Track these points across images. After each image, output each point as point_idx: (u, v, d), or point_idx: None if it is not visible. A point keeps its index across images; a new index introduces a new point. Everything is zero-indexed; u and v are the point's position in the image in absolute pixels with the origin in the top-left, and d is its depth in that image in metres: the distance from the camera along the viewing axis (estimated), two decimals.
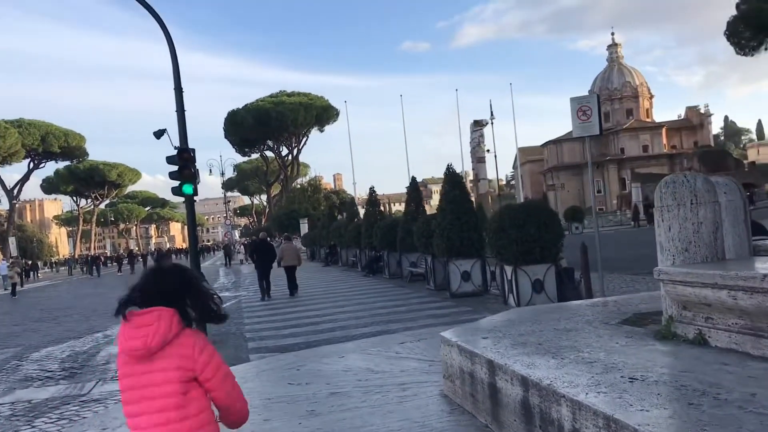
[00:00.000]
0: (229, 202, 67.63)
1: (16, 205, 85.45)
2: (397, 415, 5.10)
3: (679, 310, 4.32)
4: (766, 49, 52.51)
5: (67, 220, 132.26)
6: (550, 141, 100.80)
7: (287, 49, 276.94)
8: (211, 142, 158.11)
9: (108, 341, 12.42)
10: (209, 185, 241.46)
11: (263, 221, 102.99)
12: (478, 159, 64.67)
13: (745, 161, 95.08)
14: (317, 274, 26.82)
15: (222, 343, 10.68)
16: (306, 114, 71.56)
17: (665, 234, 4.44)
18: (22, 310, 22.71)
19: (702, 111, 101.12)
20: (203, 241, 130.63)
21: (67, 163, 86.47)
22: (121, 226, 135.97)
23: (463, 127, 61.77)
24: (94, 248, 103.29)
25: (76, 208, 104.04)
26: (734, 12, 51.09)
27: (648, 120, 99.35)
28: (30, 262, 63.73)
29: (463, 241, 13.69)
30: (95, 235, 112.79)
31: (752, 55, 53.75)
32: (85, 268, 57.47)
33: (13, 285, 31.20)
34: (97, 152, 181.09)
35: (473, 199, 20.15)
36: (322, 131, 76.64)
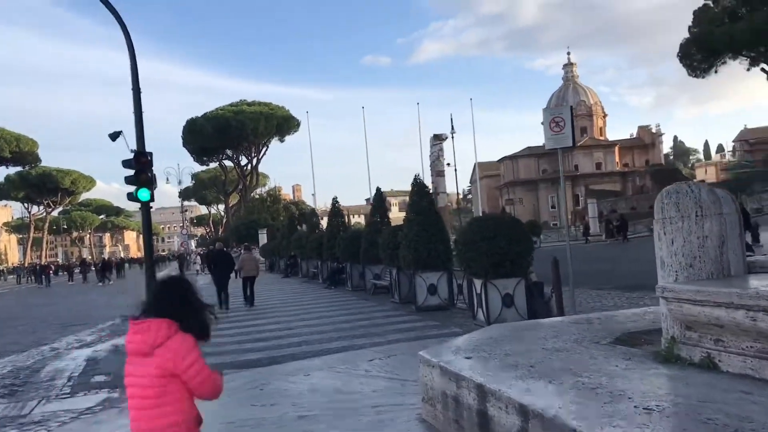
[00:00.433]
0: (185, 211, 66.20)
1: None
2: None
3: (683, 331, 4.03)
4: (716, 71, 54.17)
5: (17, 227, 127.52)
6: (506, 156, 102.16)
7: (248, 59, 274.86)
8: (169, 151, 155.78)
9: (56, 355, 11.65)
10: (166, 194, 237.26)
11: (220, 231, 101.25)
12: (438, 173, 64.79)
13: (693, 180, 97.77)
14: (277, 286, 26.16)
15: None
16: (266, 124, 70.74)
17: (667, 248, 4.14)
18: None
19: (653, 130, 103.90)
20: (159, 250, 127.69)
21: (19, 168, 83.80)
22: (74, 234, 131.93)
23: (424, 141, 61.78)
24: (46, 257, 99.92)
25: (27, 214, 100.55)
26: (686, 35, 52.59)
27: (601, 138, 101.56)
28: None
29: (431, 253, 13.36)
30: (47, 243, 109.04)
31: (703, 77, 55.36)
32: (33, 277, 55.32)
33: None
34: (50, 158, 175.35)
35: None
36: (282, 141, 75.91)
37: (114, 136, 11.02)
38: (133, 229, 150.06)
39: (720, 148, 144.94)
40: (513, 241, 10.51)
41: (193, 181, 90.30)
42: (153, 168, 11.32)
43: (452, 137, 54.80)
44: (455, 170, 54.74)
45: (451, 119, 56.80)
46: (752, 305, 3.30)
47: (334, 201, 24.82)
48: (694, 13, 50.69)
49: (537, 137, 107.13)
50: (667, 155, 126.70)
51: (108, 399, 7.77)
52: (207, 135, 69.17)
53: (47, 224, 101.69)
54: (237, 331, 12.78)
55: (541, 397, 3.48)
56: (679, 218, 4.07)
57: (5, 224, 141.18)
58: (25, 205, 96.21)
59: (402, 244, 13.82)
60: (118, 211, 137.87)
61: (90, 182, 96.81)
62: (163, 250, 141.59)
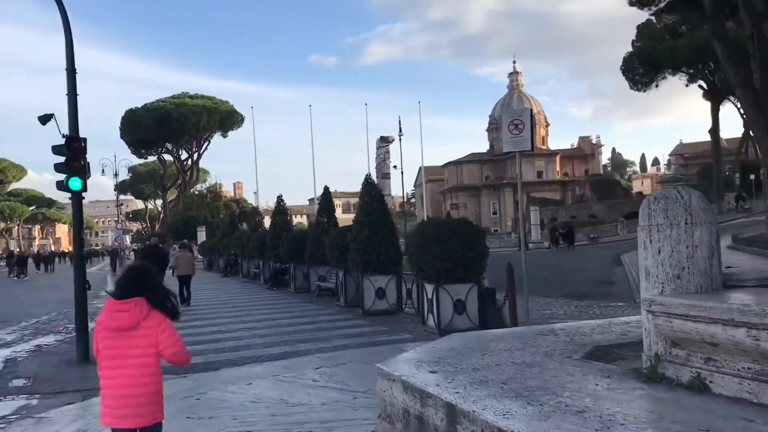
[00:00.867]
0: (121, 205, 63.76)
1: None
2: None
3: (668, 348, 3.72)
4: (657, 85, 55.93)
5: None
6: (450, 162, 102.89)
7: (192, 52, 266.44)
8: (106, 143, 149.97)
9: None
10: (101, 187, 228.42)
11: (157, 227, 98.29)
12: (383, 175, 64.68)
13: (631, 191, 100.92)
14: (215, 285, 25.26)
15: None
16: (209, 118, 68.87)
17: (653, 258, 3.83)
18: None
19: (594, 141, 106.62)
20: (92, 245, 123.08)
21: None
22: (2, 225, 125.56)
23: (371, 143, 61.60)
24: None
25: None
26: (626, 50, 54.10)
27: (543, 147, 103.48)
28: None
29: (380, 256, 12.95)
30: None
31: (644, 91, 57.10)
32: None
33: None
34: None
35: None
36: (225, 137, 74.07)
37: (44, 119, 10.14)
38: (65, 222, 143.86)
39: (656, 161, 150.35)
40: (467, 245, 10.21)
41: (130, 175, 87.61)
42: (87, 156, 10.46)
43: (400, 140, 54.60)
44: (402, 173, 54.47)
45: (399, 122, 56.91)
46: (756, 323, 2.99)
47: (279, 199, 24.11)
48: (638, 27, 52.16)
49: (482, 144, 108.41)
50: (605, 166, 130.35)
51: (26, 407, 7.04)
52: (146, 127, 66.77)
53: None
54: None
55: (523, 422, 3.09)
56: (668, 225, 3.76)
57: None
58: None
59: (351, 245, 13.36)
60: (49, 203, 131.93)
61: (20, 171, 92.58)
62: (97, 245, 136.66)
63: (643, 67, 52.41)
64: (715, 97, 52.17)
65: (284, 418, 5.42)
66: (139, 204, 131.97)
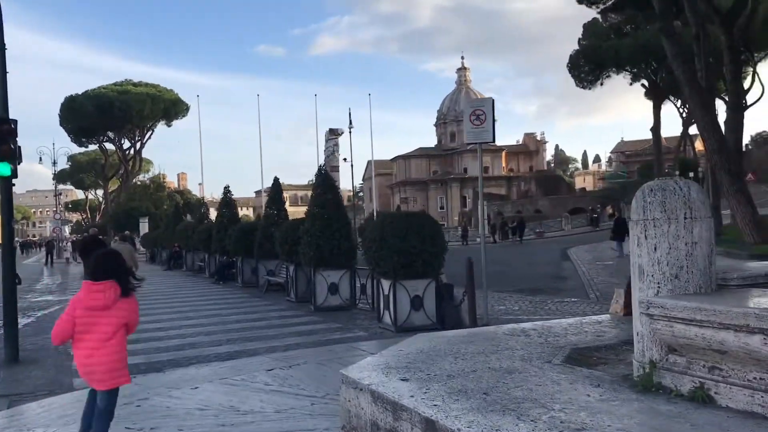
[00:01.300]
0: (60, 194, 61.18)
1: None
2: None
3: (664, 354, 3.41)
4: (602, 84, 56.94)
5: None
6: (399, 156, 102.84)
7: (138, 40, 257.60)
8: (43, 130, 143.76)
9: None
10: (39, 176, 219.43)
11: (98, 218, 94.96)
12: (332, 168, 63.86)
13: (574, 187, 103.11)
14: (158, 279, 24.23)
15: (37, 363, 8.61)
16: (153, 106, 66.62)
17: (648, 255, 3.51)
18: None
19: (538, 138, 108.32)
20: (29, 236, 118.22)
21: None
22: None
23: (321, 136, 60.88)
24: None
25: None
26: (571, 48, 54.90)
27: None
28: None
29: (333, 250, 12.46)
30: None
31: (590, 89, 58.00)
32: None
33: None
34: None
35: None
36: (169, 126, 71.77)
37: None
38: None
39: (597, 159, 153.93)
40: (426, 240, 9.85)
41: (70, 164, 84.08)
42: (18, 140, 9.62)
43: (350, 133, 54.05)
44: (351, 166, 53.94)
45: (350, 114, 56.44)
46: None
47: (226, 190, 23.27)
48: (584, 26, 52.94)
49: (430, 138, 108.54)
50: (549, 162, 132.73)
51: None
52: (87, 114, 64.08)
53: None
54: None
55: None
56: (665, 220, 3.45)
57: None
58: None
59: (303, 239, 12.82)
60: None
61: None
62: (34, 236, 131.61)
63: (589, 65, 53.21)
64: (656, 96, 53.39)
65: (235, 429, 4.93)
66: (80, 194, 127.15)
